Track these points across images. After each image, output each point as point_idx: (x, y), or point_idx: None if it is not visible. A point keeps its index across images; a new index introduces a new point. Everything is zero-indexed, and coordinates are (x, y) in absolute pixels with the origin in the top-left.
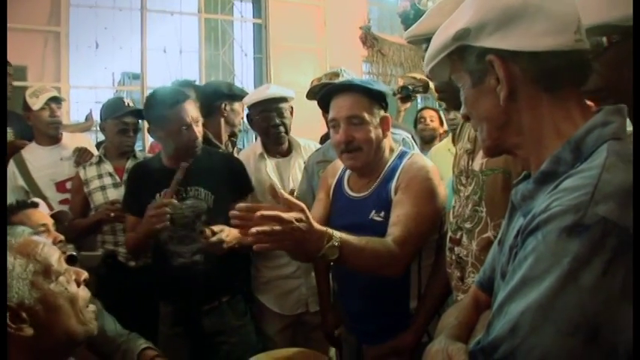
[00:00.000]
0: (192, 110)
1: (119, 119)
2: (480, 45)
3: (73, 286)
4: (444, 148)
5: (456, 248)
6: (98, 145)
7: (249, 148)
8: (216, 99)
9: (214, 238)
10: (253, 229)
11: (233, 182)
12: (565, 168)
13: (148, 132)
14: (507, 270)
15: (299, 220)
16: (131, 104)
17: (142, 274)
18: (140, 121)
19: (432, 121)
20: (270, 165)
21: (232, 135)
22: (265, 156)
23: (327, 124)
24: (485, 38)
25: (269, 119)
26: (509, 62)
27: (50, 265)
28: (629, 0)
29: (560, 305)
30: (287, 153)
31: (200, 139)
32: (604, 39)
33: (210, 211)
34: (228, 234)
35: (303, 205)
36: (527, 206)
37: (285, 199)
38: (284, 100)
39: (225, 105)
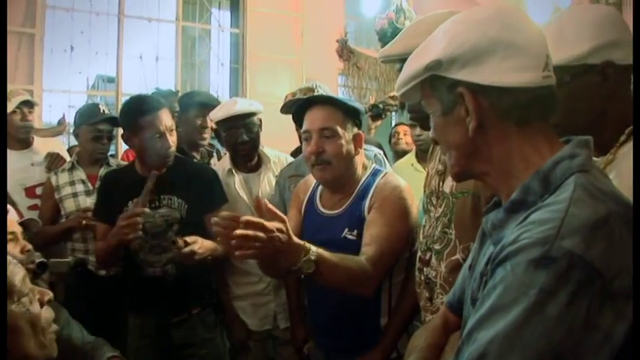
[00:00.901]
0: (166, 119)
1: (94, 126)
2: (451, 77)
3: (35, 306)
4: (406, 163)
5: (425, 269)
6: (69, 150)
7: (218, 164)
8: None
9: (186, 249)
10: (237, 231)
11: (207, 192)
12: (534, 198)
13: (122, 138)
14: (478, 296)
15: (280, 231)
16: (106, 111)
17: (111, 284)
18: (115, 128)
19: (405, 135)
20: (238, 180)
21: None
22: (234, 171)
23: (299, 138)
24: (457, 71)
25: (237, 136)
26: (479, 95)
27: (13, 286)
28: (573, 42)
29: (526, 335)
30: (256, 168)
31: (174, 148)
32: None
33: (183, 220)
34: (200, 246)
35: (284, 217)
36: (497, 235)
37: (268, 208)
38: (252, 114)
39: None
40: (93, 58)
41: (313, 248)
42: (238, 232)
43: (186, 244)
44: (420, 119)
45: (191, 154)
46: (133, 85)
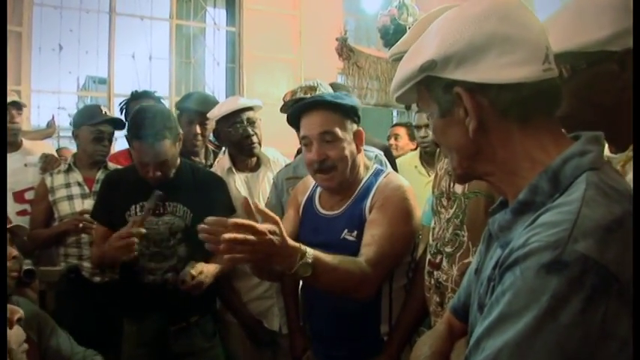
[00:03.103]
0: (167, 151)
1: (95, 127)
2: (447, 77)
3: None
4: (408, 163)
5: (435, 272)
6: (58, 152)
7: (217, 164)
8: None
9: (194, 282)
10: (226, 235)
11: (214, 201)
12: (542, 198)
13: (126, 139)
14: (485, 302)
15: (272, 233)
16: (108, 113)
17: (106, 291)
18: (115, 130)
19: (395, 139)
20: (239, 180)
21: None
22: (234, 170)
23: (299, 138)
24: (452, 70)
25: (243, 130)
26: (477, 94)
27: None
28: (593, 26)
29: (538, 343)
30: (256, 167)
31: (173, 170)
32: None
33: (188, 229)
34: (206, 275)
35: (278, 218)
36: (505, 237)
37: (260, 210)
38: (252, 110)
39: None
40: (83, 58)
41: (309, 251)
42: (227, 235)
43: (193, 277)
44: None
45: (190, 157)
46: (126, 86)
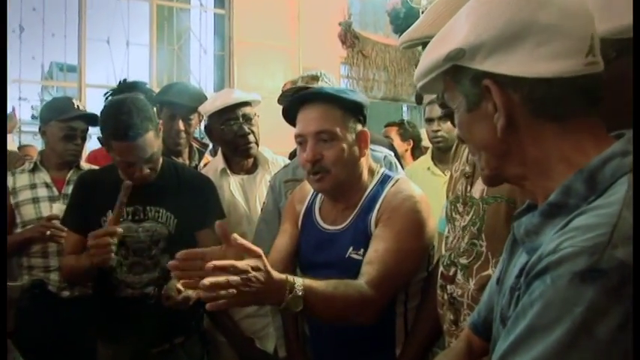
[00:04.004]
0: (152, 144)
1: (66, 123)
2: (475, 67)
3: None
4: (421, 166)
5: (448, 286)
6: (20, 149)
7: (208, 165)
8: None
9: (180, 297)
10: (205, 281)
11: (202, 205)
12: (576, 200)
13: (100, 141)
14: (508, 314)
15: (256, 269)
16: (81, 107)
17: (76, 307)
18: (89, 127)
19: (391, 139)
20: (234, 183)
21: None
22: (228, 172)
23: None
24: (481, 60)
25: (237, 128)
26: (508, 88)
27: None
28: (623, 10)
29: None
30: (253, 169)
31: (157, 168)
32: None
33: (172, 237)
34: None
35: (260, 251)
36: (531, 242)
37: (239, 243)
38: (249, 105)
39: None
40: (49, 42)
41: (299, 282)
42: (207, 281)
43: (179, 292)
44: (452, 114)
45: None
46: (99, 75)
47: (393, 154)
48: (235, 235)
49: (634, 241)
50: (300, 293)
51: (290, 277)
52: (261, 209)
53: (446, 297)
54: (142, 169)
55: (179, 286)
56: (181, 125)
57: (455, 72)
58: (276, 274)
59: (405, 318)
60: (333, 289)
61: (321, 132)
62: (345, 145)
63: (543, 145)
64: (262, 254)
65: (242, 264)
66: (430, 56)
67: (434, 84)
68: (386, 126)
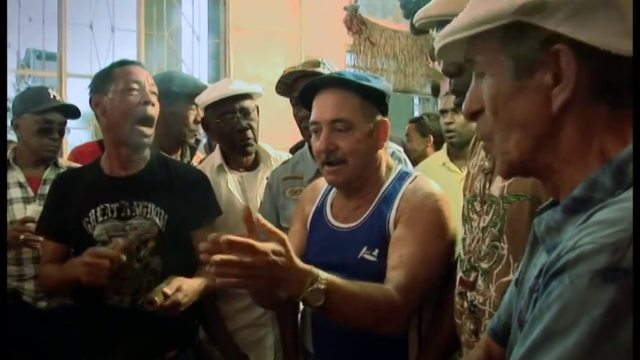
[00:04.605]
0: (146, 75)
1: (41, 115)
2: (549, 28)
3: None
4: (435, 162)
5: (468, 293)
6: None
7: (204, 161)
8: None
9: (168, 302)
10: (217, 257)
11: (196, 201)
12: (602, 195)
13: (91, 105)
14: (526, 317)
15: (277, 254)
16: (57, 97)
17: (56, 319)
18: (68, 120)
19: (410, 137)
20: (232, 180)
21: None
22: (226, 169)
23: (299, 127)
24: (560, 21)
25: (234, 122)
26: (583, 60)
27: None
28: None
29: None
30: (253, 166)
31: (153, 112)
32: None
33: (162, 236)
34: (186, 293)
35: (284, 236)
36: (552, 240)
37: (263, 224)
38: (249, 97)
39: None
40: (25, 27)
41: (322, 274)
42: (217, 257)
43: (166, 296)
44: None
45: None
46: (81, 64)
47: (402, 150)
48: (258, 216)
49: (634, 241)
50: (323, 287)
51: (314, 269)
52: (258, 209)
53: (465, 305)
54: (149, 96)
55: (166, 289)
56: (192, 115)
57: (508, 30)
58: (299, 263)
59: (419, 330)
60: (358, 289)
61: (336, 120)
62: (361, 136)
63: (588, 134)
64: (286, 239)
65: (262, 245)
66: (487, 6)
67: (456, 47)
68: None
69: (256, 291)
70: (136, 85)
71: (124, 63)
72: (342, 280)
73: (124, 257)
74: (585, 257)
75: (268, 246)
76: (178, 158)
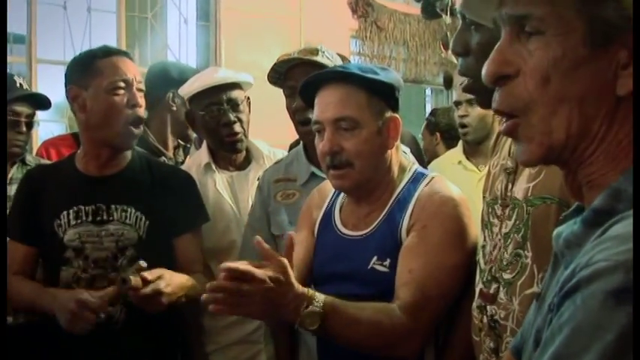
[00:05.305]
0: (133, 69)
1: (7, 106)
2: None
3: None
4: (450, 160)
5: (488, 307)
6: None
7: (190, 160)
8: (160, 86)
9: (148, 289)
10: (211, 284)
11: (180, 206)
12: (627, 205)
13: (68, 97)
14: (542, 337)
15: (275, 281)
16: (25, 85)
17: (22, 336)
18: (36, 111)
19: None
20: (220, 180)
21: (183, 138)
22: (214, 168)
23: (293, 121)
24: None
25: (220, 115)
26: None
27: None
28: None
29: None
30: (244, 164)
31: (142, 114)
32: None
33: (142, 243)
34: (169, 283)
35: (285, 262)
36: (572, 256)
37: (262, 248)
38: (238, 87)
39: (173, 95)
40: None
41: (319, 296)
42: (213, 284)
43: (146, 281)
44: (479, 91)
45: (160, 150)
46: (53, 48)
47: (409, 150)
48: (258, 238)
49: (634, 241)
50: (318, 309)
51: (310, 291)
52: (249, 214)
53: (485, 320)
54: (136, 95)
55: (146, 274)
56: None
57: None
58: (298, 288)
59: (436, 348)
60: (360, 313)
61: (340, 119)
62: (369, 135)
63: (629, 129)
64: (287, 266)
65: (260, 273)
66: None
67: (487, 5)
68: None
69: (253, 317)
70: (122, 84)
71: (108, 52)
72: (343, 302)
73: (111, 308)
74: (598, 276)
75: (266, 273)
76: (172, 156)
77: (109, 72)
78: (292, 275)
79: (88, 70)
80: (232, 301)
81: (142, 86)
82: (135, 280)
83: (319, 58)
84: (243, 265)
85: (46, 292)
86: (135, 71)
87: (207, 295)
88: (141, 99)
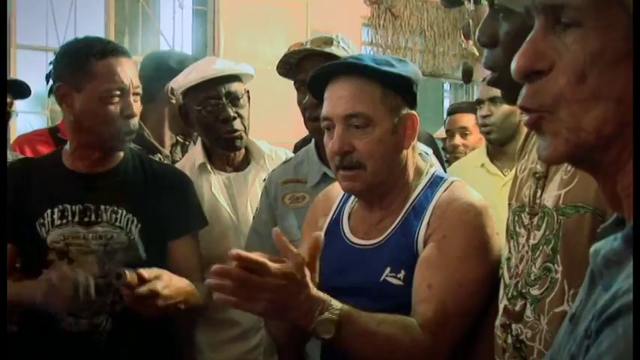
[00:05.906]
0: (131, 72)
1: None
2: None
3: None
4: (472, 163)
5: (514, 326)
6: None
7: (184, 159)
8: (158, 77)
9: (143, 289)
10: (216, 267)
11: (175, 208)
12: None
13: (57, 96)
14: None
15: (289, 278)
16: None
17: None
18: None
19: (469, 131)
20: (216, 182)
21: (183, 134)
22: (209, 168)
23: (303, 117)
24: None
25: (218, 110)
26: None
27: None
28: None
29: None
30: (243, 165)
31: (136, 124)
32: None
33: (134, 247)
34: (167, 284)
35: (305, 260)
36: (611, 276)
37: (280, 240)
38: (237, 79)
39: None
40: None
41: (336, 304)
42: (217, 267)
43: (142, 279)
44: (503, 83)
45: (156, 146)
46: (35, 33)
47: (431, 151)
48: (277, 230)
49: (634, 241)
50: (334, 317)
51: (325, 296)
52: (254, 217)
53: (509, 340)
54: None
55: (143, 271)
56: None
57: None
58: (314, 291)
59: None
60: (376, 325)
61: (351, 115)
62: (383, 133)
63: None
64: (304, 264)
65: (275, 267)
66: None
67: None
68: (452, 113)
69: (262, 316)
70: (118, 92)
71: (105, 52)
72: (361, 312)
73: (92, 291)
74: None
75: (282, 267)
76: (168, 154)
77: (106, 77)
78: (309, 276)
79: (82, 71)
80: (238, 291)
81: (139, 90)
82: (130, 275)
83: (334, 49)
84: (255, 255)
85: (27, 281)
86: (133, 74)
87: (212, 280)
88: (136, 107)
